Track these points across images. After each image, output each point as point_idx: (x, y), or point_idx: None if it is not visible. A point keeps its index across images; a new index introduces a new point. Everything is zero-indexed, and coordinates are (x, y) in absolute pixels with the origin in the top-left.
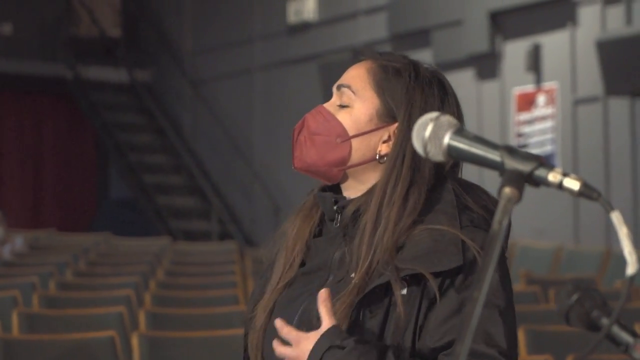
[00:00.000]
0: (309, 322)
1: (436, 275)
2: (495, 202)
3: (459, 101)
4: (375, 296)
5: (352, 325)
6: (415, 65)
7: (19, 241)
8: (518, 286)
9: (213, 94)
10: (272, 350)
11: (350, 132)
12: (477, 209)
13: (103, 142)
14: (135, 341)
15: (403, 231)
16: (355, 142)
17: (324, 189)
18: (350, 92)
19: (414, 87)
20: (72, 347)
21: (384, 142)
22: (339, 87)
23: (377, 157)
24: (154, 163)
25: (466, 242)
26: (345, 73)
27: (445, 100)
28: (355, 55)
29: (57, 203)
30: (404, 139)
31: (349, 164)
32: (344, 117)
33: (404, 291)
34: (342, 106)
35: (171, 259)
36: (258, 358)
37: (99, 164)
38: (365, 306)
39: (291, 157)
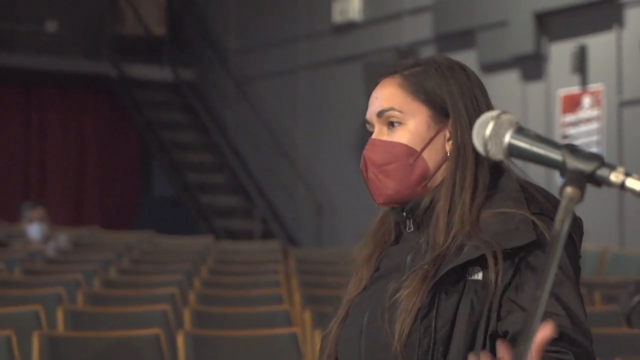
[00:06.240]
0: (375, 320)
1: (509, 255)
2: (552, 198)
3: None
4: (450, 279)
5: (428, 305)
6: (433, 59)
7: (62, 238)
8: None
9: (257, 93)
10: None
11: (418, 147)
12: (542, 198)
13: (146, 140)
14: (180, 340)
15: (477, 209)
16: (426, 154)
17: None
18: (396, 112)
19: (444, 79)
20: (117, 345)
21: (449, 140)
22: (380, 114)
23: (449, 156)
24: (197, 161)
25: (536, 222)
26: (373, 101)
27: (470, 79)
28: (399, 56)
29: (100, 200)
30: (458, 128)
31: (429, 175)
32: (402, 136)
33: (479, 275)
34: (392, 126)
35: (215, 258)
36: None
37: (142, 162)
38: (441, 288)
39: (370, 196)
